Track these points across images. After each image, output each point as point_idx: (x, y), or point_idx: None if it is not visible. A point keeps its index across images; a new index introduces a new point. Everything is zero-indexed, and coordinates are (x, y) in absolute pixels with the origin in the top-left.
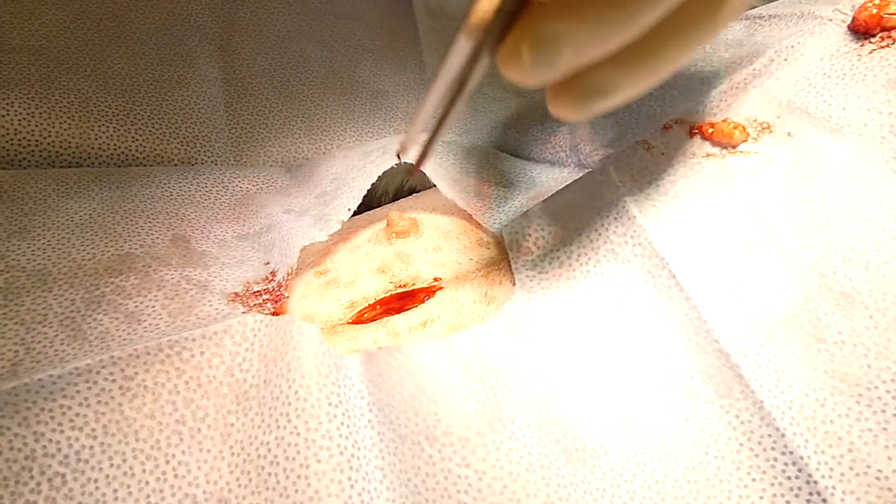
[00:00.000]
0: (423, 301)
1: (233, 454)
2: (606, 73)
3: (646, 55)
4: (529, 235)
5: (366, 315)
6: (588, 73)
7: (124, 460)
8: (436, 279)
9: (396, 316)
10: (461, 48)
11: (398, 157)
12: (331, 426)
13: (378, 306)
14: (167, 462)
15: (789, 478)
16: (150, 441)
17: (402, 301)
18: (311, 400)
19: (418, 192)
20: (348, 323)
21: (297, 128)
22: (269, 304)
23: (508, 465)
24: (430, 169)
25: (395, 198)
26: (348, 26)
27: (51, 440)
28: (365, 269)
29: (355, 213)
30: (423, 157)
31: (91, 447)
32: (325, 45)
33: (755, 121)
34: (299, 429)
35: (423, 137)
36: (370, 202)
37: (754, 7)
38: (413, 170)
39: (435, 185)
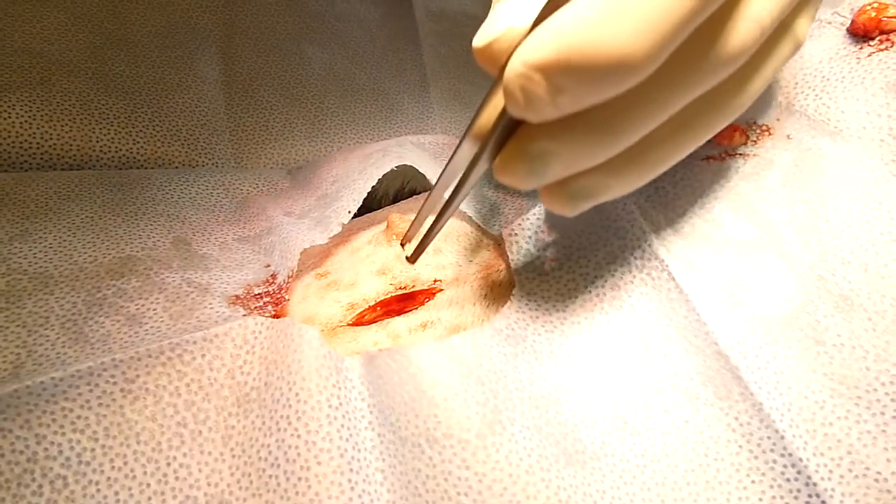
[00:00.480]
0: (423, 303)
1: (233, 456)
2: (595, 178)
3: (636, 161)
4: (529, 238)
5: (366, 317)
6: (578, 178)
7: (125, 462)
8: (436, 281)
9: (397, 318)
10: (465, 151)
11: (402, 246)
12: (331, 428)
13: (378, 308)
14: (168, 464)
15: (788, 480)
16: (151, 443)
17: (402, 303)
18: (311, 402)
19: (418, 193)
20: (349, 325)
21: (297, 130)
22: (269, 307)
23: (508, 467)
24: (429, 169)
25: (395, 199)
26: (348, 28)
27: (52, 442)
28: (365, 271)
29: (355, 215)
30: (421, 248)
31: (93, 449)
32: (326, 47)
33: (755, 123)
34: (300, 431)
35: (424, 225)
36: (370, 204)
37: None
38: (412, 258)
39: None
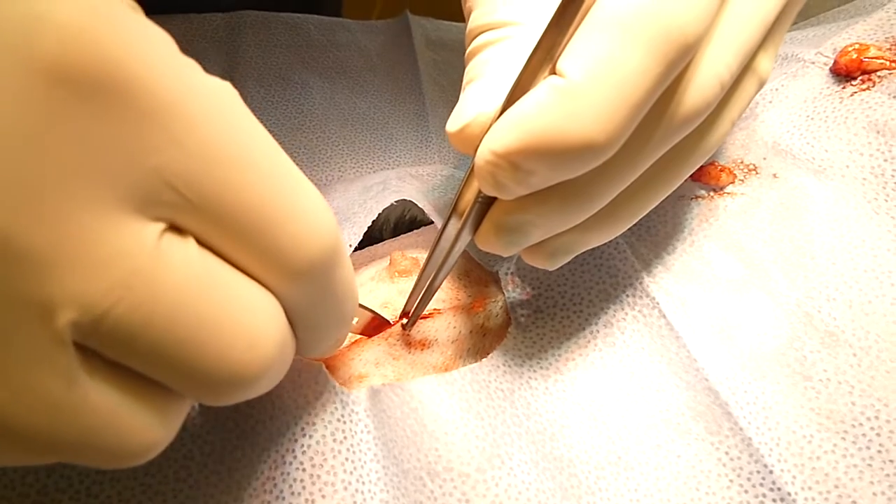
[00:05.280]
0: None
1: (239, 489)
2: (572, 236)
3: (610, 217)
4: (525, 275)
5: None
6: (555, 238)
7: (133, 494)
8: (435, 310)
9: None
10: (451, 228)
11: (403, 328)
12: (335, 462)
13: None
14: (175, 496)
15: None
16: (158, 476)
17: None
18: (316, 437)
19: (418, 222)
20: (351, 344)
21: (298, 159)
22: None
23: (507, 500)
24: (428, 205)
25: (395, 227)
26: (349, 58)
27: (62, 475)
28: (368, 305)
29: (357, 247)
30: (415, 317)
31: (101, 482)
32: (326, 76)
33: (741, 163)
34: (305, 465)
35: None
36: (371, 233)
37: None
38: (408, 327)
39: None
